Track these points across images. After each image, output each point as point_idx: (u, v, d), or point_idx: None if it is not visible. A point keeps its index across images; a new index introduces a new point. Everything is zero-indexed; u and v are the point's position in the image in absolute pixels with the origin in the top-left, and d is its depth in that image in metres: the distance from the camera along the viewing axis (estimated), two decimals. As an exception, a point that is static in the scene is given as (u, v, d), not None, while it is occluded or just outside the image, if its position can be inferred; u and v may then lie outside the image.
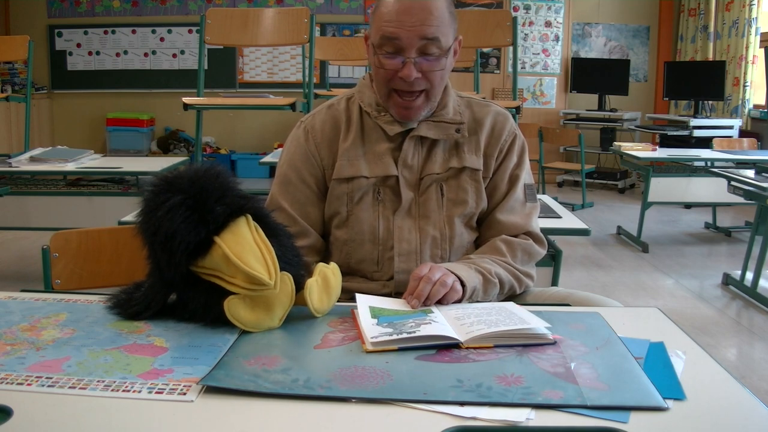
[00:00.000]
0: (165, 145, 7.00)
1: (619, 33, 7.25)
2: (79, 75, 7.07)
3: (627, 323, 1.09)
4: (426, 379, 0.86)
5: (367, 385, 0.84)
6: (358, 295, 1.15)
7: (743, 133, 5.87)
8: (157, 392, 0.82)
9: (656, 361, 0.94)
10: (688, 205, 5.83)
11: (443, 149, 1.39)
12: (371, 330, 1.00)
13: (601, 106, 6.88)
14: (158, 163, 3.50)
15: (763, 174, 3.58)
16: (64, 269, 1.44)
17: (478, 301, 1.23)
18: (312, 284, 1.08)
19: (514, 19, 3.15)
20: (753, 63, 6.05)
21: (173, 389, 0.83)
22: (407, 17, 1.26)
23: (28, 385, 0.84)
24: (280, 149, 3.68)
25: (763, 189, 3.25)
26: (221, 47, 6.42)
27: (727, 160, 4.46)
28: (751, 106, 6.13)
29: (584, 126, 6.65)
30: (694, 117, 6.10)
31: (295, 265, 1.10)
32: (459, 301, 1.19)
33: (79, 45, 7.02)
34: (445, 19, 1.29)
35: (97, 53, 7.04)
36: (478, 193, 1.39)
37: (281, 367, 0.89)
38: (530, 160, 1.50)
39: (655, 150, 4.60)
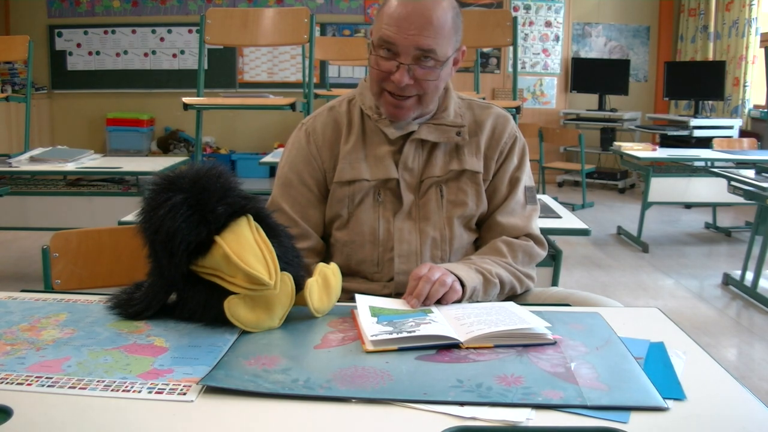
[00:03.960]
0: (165, 145, 7.00)
1: (619, 33, 7.25)
2: (79, 75, 7.06)
3: (627, 323, 1.09)
4: (426, 379, 0.86)
5: (367, 385, 0.84)
6: (357, 296, 1.15)
7: (743, 133, 5.87)
8: (157, 392, 0.82)
9: (656, 361, 0.94)
10: (688, 205, 5.83)
11: (444, 152, 1.39)
12: (371, 328, 1.00)
13: (601, 106, 6.88)
14: (158, 163, 3.50)
15: (763, 174, 3.58)
16: (64, 269, 1.44)
17: (478, 301, 1.23)
18: (312, 284, 1.08)
19: (514, 19, 3.16)
20: (753, 63, 6.05)
21: (173, 389, 0.83)
22: (406, 24, 1.25)
23: (28, 385, 0.84)
24: (280, 149, 3.67)
25: (763, 189, 3.25)
26: (221, 47, 6.42)
27: (727, 160, 4.46)
28: (751, 106, 6.13)
29: (584, 126, 6.65)
30: (694, 117, 6.10)
31: (296, 266, 1.10)
32: (459, 301, 1.19)
33: (79, 45, 7.02)
34: (444, 31, 1.27)
35: (97, 53, 7.04)
36: (478, 195, 1.39)
37: (281, 367, 0.89)
38: (530, 160, 1.50)
39: (655, 150, 4.59)
